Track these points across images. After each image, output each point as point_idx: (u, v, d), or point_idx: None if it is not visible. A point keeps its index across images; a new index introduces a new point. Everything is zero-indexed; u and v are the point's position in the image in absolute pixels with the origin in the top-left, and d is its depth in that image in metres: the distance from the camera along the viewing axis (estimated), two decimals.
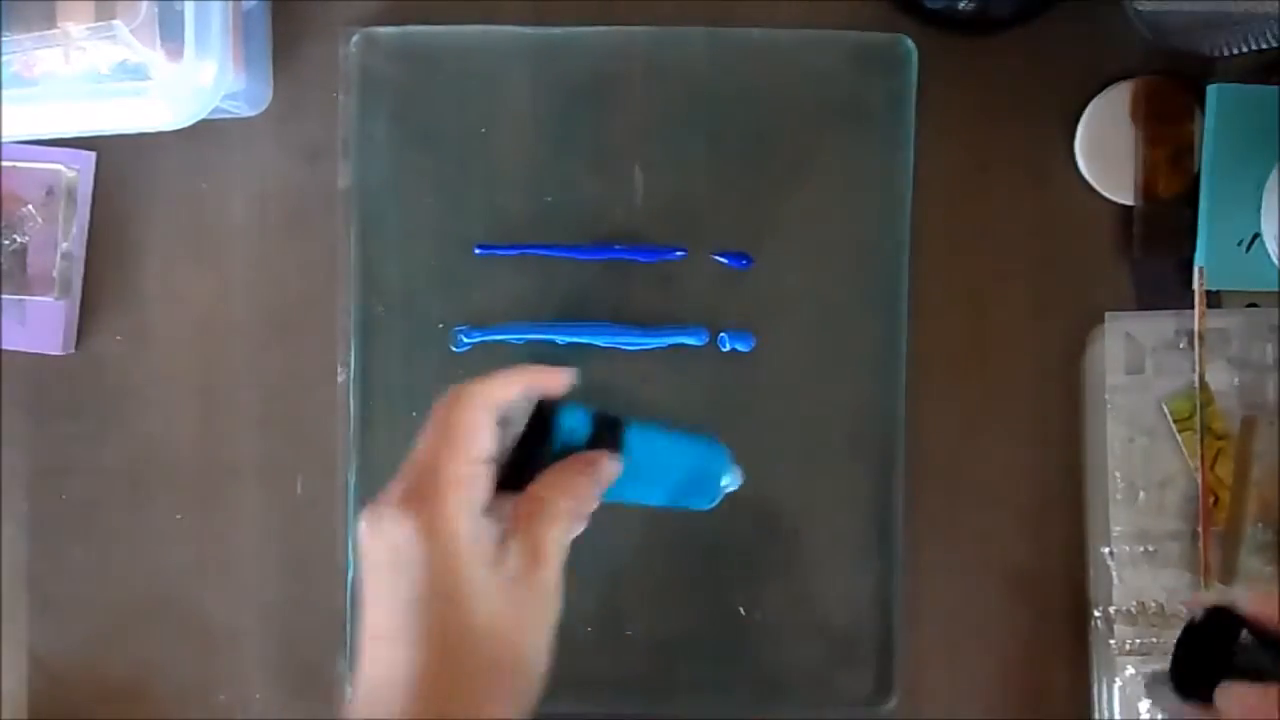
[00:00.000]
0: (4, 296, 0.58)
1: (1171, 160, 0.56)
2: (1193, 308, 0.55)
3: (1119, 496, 0.56)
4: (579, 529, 0.43)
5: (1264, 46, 0.50)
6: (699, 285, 0.57)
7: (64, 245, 0.58)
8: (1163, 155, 0.56)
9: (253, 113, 0.58)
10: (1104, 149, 0.56)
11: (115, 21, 0.50)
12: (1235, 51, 0.51)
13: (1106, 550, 0.56)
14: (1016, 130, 0.57)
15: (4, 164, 0.58)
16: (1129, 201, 0.56)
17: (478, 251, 0.57)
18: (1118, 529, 0.56)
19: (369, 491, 0.57)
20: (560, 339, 0.56)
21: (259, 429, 0.59)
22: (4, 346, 0.59)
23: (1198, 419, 0.55)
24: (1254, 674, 0.41)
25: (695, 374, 0.57)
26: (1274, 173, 0.53)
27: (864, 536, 0.57)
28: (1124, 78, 0.56)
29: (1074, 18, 0.56)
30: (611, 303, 0.57)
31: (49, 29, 0.50)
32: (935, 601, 0.57)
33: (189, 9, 0.50)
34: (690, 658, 0.57)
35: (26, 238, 0.58)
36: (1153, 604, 0.56)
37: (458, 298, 0.57)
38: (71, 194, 0.58)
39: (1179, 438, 0.55)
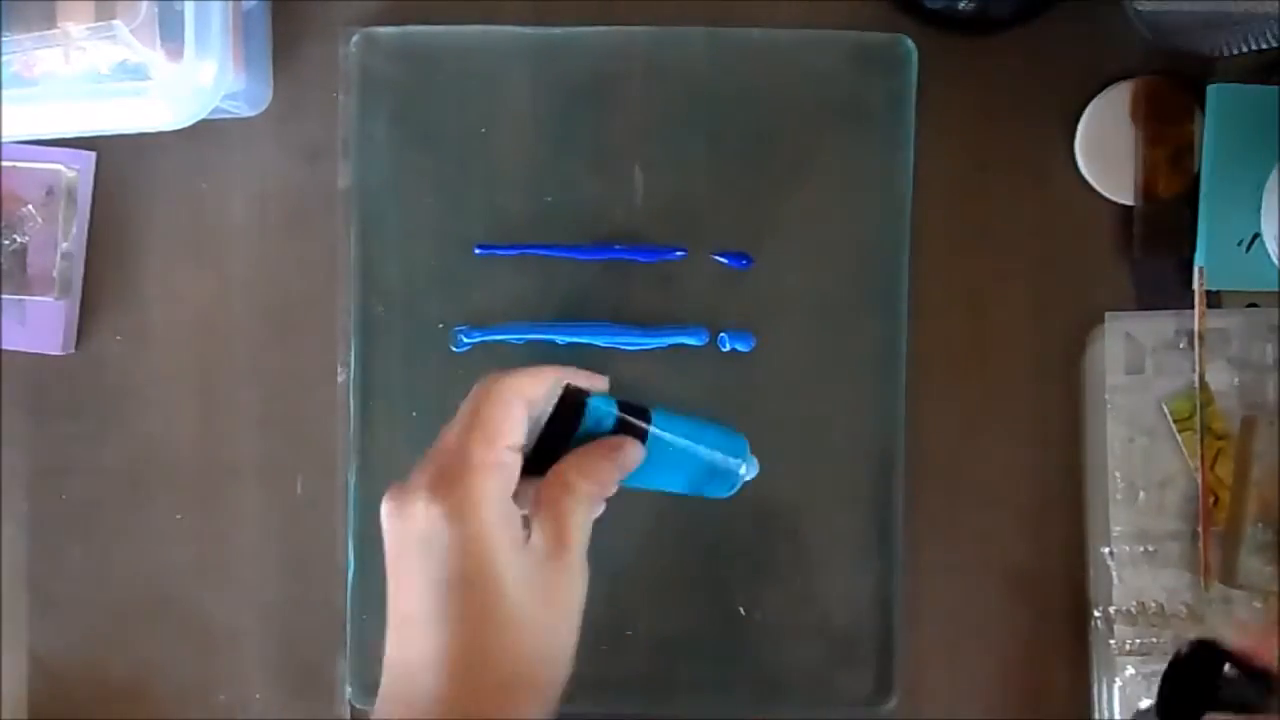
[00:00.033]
0: (4, 296, 0.58)
1: (1171, 160, 0.56)
2: (1193, 308, 0.55)
3: (1119, 496, 0.56)
4: (598, 512, 0.44)
5: (1264, 46, 0.50)
6: (699, 285, 0.57)
7: (64, 245, 0.58)
8: (1163, 155, 0.56)
9: (253, 113, 0.58)
10: (1104, 149, 0.56)
11: (115, 21, 0.50)
12: (1235, 51, 0.51)
13: (1106, 550, 0.56)
14: (1016, 130, 0.57)
15: (4, 164, 0.58)
16: (1129, 201, 0.56)
17: (478, 251, 0.57)
18: (1118, 529, 0.56)
19: (369, 491, 0.57)
20: (560, 339, 0.56)
21: (259, 429, 0.59)
22: (4, 346, 0.59)
23: (1198, 419, 0.55)
24: (1238, 707, 0.42)
25: (695, 374, 0.57)
26: (1274, 173, 0.53)
27: (864, 536, 0.57)
28: (1124, 78, 0.56)
29: (1074, 18, 0.56)
30: (611, 303, 0.57)
31: (49, 29, 0.50)
32: (935, 601, 0.57)
33: (189, 9, 0.50)
34: (690, 658, 0.57)
35: (26, 238, 0.58)
36: (1153, 604, 0.56)
37: (458, 298, 0.57)
38: (71, 194, 0.58)
39: (1179, 438, 0.55)
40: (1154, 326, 0.56)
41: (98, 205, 0.59)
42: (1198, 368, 0.55)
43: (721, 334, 0.57)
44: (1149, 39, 0.52)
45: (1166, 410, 0.55)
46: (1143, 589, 0.56)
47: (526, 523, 0.42)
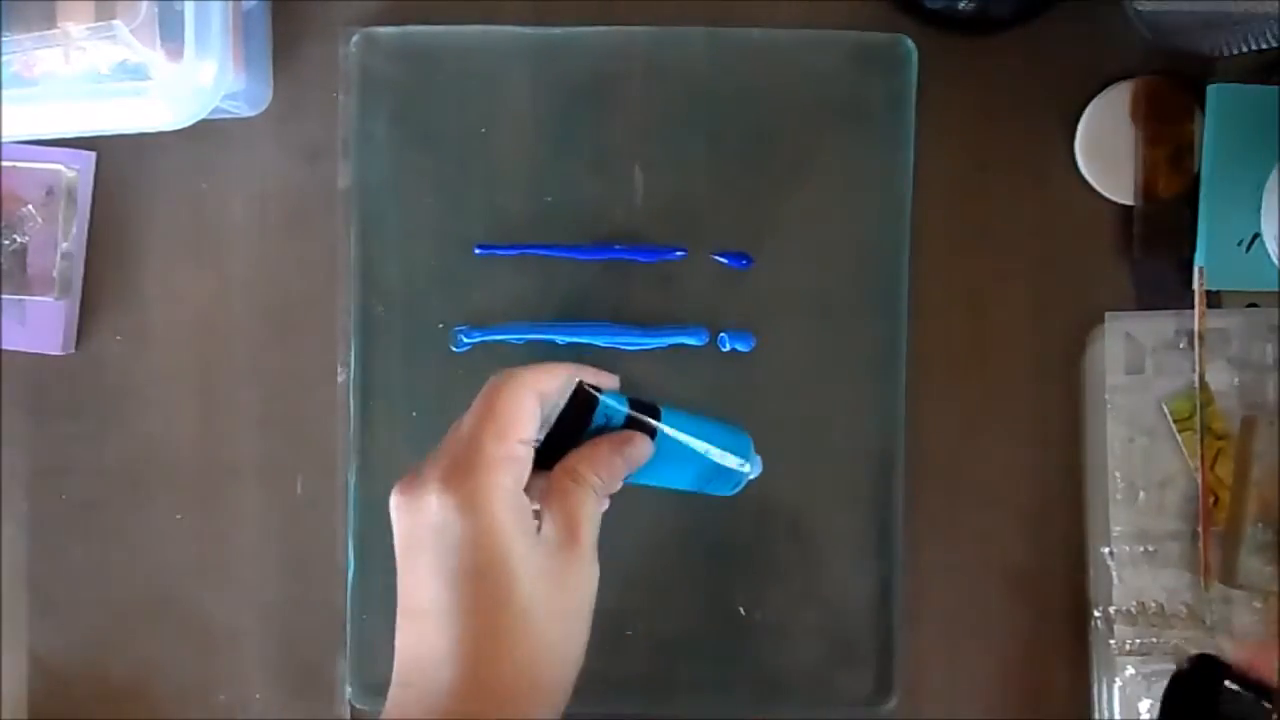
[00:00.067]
0: (4, 296, 0.58)
1: (1171, 160, 0.56)
2: (1193, 308, 0.55)
3: (1119, 496, 0.56)
4: (604, 507, 0.44)
5: (1264, 46, 0.50)
6: (699, 285, 0.57)
7: (64, 245, 0.58)
8: (1163, 155, 0.56)
9: (253, 113, 0.58)
10: (1104, 149, 0.56)
11: (115, 21, 0.50)
12: (1235, 51, 0.51)
13: (1106, 550, 0.56)
14: (1016, 130, 0.57)
15: (4, 164, 0.58)
16: (1129, 201, 0.56)
17: (478, 251, 0.57)
18: (1118, 529, 0.56)
19: (369, 491, 0.57)
20: (560, 339, 0.56)
21: (259, 429, 0.59)
22: (4, 346, 0.59)
23: (1198, 419, 0.55)
24: None
25: (695, 374, 0.57)
26: (1274, 173, 0.53)
27: (864, 536, 0.57)
28: (1124, 78, 0.56)
29: (1074, 18, 0.56)
30: (611, 303, 0.57)
31: (49, 29, 0.50)
32: (935, 601, 0.57)
33: (189, 9, 0.50)
34: (690, 658, 0.57)
35: (26, 238, 0.58)
36: (1153, 604, 0.56)
37: (458, 298, 0.57)
38: (71, 194, 0.58)
39: (1179, 438, 0.55)
40: (1154, 326, 0.56)
41: (98, 205, 0.59)
42: (1198, 368, 0.55)
43: (721, 334, 0.57)
44: (1149, 39, 0.52)
45: (1166, 410, 0.55)
46: (1143, 589, 0.56)
47: (537, 516, 0.42)
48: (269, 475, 0.59)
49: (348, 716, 0.58)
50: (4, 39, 0.50)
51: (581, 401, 0.45)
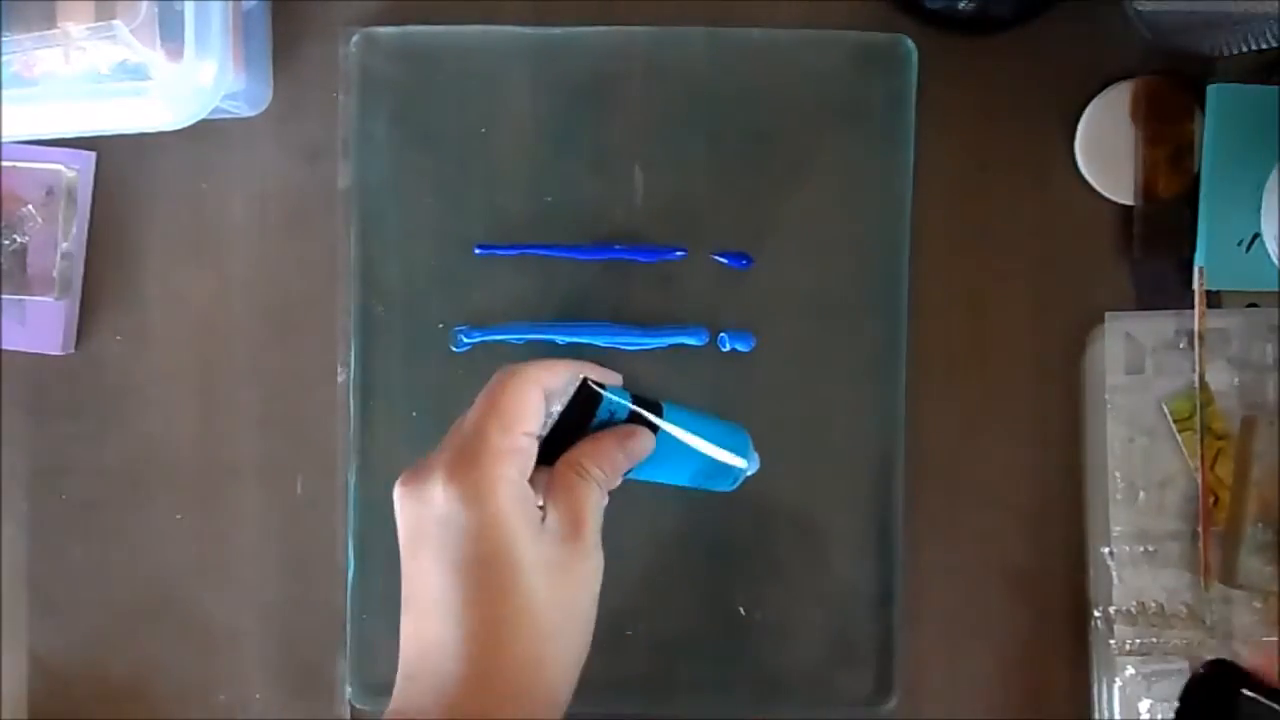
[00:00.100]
0: (4, 296, 0.58)
1: (1171, 160, 0.56)
2: (1193, 308, 0.55)
3: (1119, 496, 0.56)
4: (604, 502, 0.44)
5: (1264, 46, 0.50)
6: (699, 285, 0.57)
7: (64, 245, 0.58)
8: (1163, 155, 0.56)
9: (253, 113, 0.58)
10: (1104, 149, 0.56)
11: (115, 21, 0.50)
12: (1235, 51, 0.51)
13: (1106, 550, 0.56)
14: (1016, 130, 0.57)
15: (4, 164, 0.58)
16: (1129, 201, 0.56)
17: (478, 251, 0.57)
18: (1118, 529, 0.56)
19: (369, 491, 0.57)
20: (560, 339, 0.56)
21: (259, 429, 0.59)
22: (4, 346, 0.59)
23: (1198, 419, 0.55)
24: None
25: (695, 374, 0.57)
26: (1274, 173, 0.53)
27: (864, 536, 0.57)
28: (1124, 78, 0.56)
29: (1074, 18, 0.56)
30: (611, 303, 0.57)
31: (49, 29, 0.50)
32: (935, 601, 0.57)
33: (189, 9, 0.50)
34: (690, 658, 0.57)
35: (26, 238, 0.58)
36: (1153, 604, 0.56)
37: (458, 298, 0.57)
38: (71, 194, 0.58)
39: (1179, 438, 0.55)
40: (1154, 326, 0.56)
41: (98, 205, 0.59)
42: (1198, 368, 0.55)
43: (721, 334, 0.57)
44: (1149, 39, 0.52)
45: (1166, 410, 0.55)
46: (1143, 589, 0.56)
47: (541, 509, 0.43)
48: (269, 475, 0.59)
49: (348, 716, 0.58)
50: (4, 39, 0.50)
51: (586, 397, 0.45)
